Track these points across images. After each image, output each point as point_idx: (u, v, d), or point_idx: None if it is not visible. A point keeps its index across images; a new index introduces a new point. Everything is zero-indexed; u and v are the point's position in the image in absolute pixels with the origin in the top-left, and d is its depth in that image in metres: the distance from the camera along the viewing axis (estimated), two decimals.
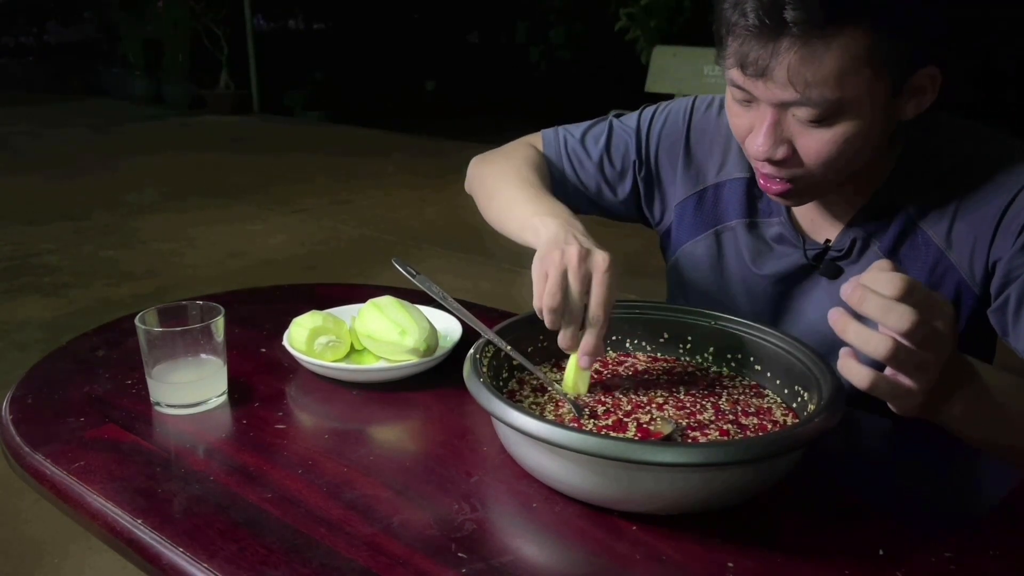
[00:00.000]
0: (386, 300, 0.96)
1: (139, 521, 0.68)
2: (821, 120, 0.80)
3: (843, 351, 0.63)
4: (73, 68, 10.89)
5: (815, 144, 0.82)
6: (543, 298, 0.78)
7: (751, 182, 1.02)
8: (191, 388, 0.86)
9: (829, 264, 0.96)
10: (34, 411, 0.86)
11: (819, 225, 0.97)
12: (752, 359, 0.86)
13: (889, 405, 0.66)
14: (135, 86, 9.59)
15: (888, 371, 0.63)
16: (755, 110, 0.84)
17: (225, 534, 0.66)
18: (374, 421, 0.86)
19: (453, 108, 9.21)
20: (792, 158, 0.84)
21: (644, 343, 0.92)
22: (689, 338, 0.90)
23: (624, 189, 1.11)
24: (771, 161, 0.84)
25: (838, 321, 0.62)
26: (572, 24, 8.35)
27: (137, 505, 0.70)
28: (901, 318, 0.59)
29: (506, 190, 1.05)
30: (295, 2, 12.88)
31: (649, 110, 1.12)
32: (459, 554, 0.63)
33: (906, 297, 0.60)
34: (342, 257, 4.04)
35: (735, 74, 0.83)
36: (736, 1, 0.78)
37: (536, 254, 0.83)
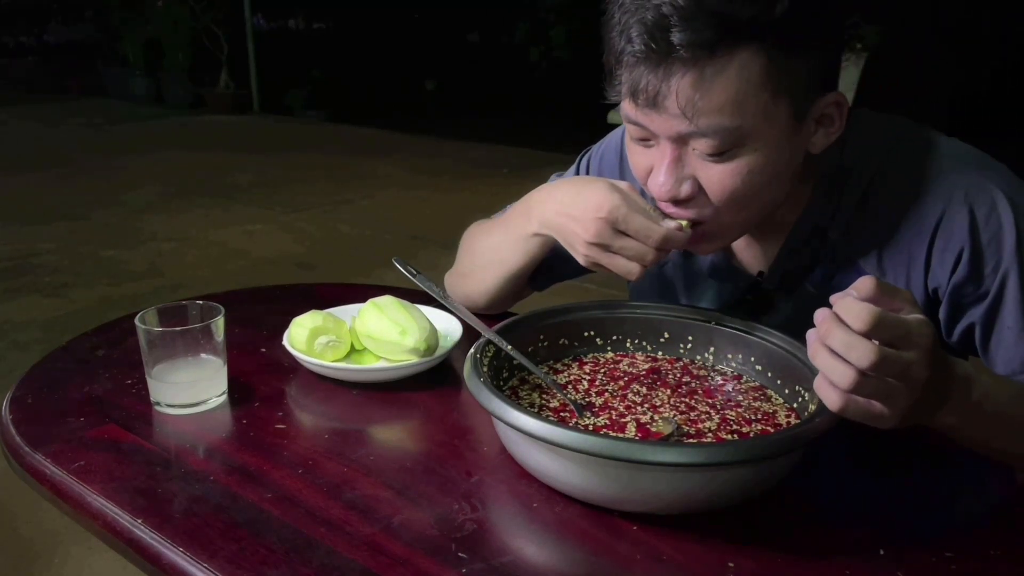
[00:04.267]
0: (386, 300, 0.96)
1: (139, 521, 0.68)
2: (722, 152, 0.76)
3: (820, 372, 0.63)
4: (73, 68, 10.89)
5: (719, 178, 0.77)
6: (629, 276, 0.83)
7: None
8: (191, 388, 0.86)
9: (761, 300, 0.93)
10: (34, 411, 0.86)
11: (753, 253, 0.95)
12: (753, 359, 0.86)
13: None
14: (135, 86, 9.59)
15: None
16: (655, 148, 0.80)
17: (225, 534, 0.66)
18: (374, 421, 0.86)
19: (453, 108, 9.22)
20: (698, 196, 0.79)
21: (644, 343, 0.92)
22: (689, 338, 0.90)
23: None
24: (676, 201, 0.80)
25: (811, 346, 0.62)
26: (572, 24, 8.34)
27: (137, 505, 0.70)
28: (861, 356, 0.59)
29: (476, 242, 1.07)
30: (295, 2, 12.88)
31: (586, 155, 1.11)
32: (459, 554, 0.63)
33: (873, 331, 0.59)
34: (342, 257, 4.04)
35: (628, 107, 0.78)
36: (622, 27, 0.74)
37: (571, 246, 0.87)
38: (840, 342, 0.60)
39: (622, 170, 1.06)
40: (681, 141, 0.77)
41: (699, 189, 0.79)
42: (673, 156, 0.78)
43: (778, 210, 0.88)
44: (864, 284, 0.62)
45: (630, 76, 0.75)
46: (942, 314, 0.86)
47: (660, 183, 0.79)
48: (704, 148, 0.76)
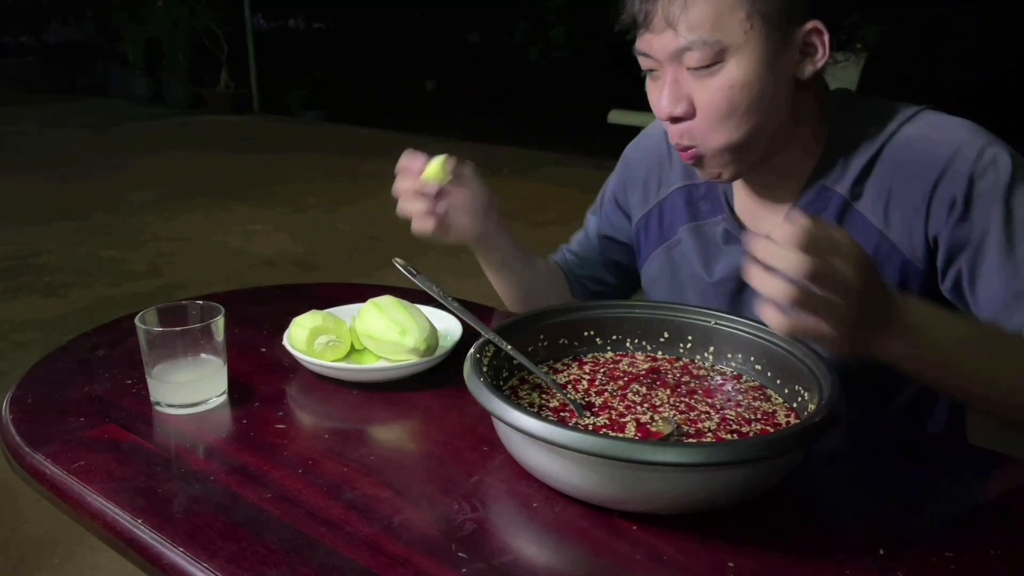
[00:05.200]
0: (386, 300, 0.96)
1: (139, 521, 0.68)
2: (708, 66, 0.85)
3: (760, 298, 0.67)
4: (73, 68, 10.90)
5: (707, 94, 0.86)
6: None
7: (691, 188, 1.06)
8: (191, 388, 0.86)
9: None
10: (34, 411, 0.86)
11: (761, 218, 0.99)
12: (752, 358, 0.86)
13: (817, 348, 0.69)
14: (135, 86, 9.59)
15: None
16: (662, 79, 0.89)
17: (225, 534, 0.66)
18: (374, 421, 0.86)
19: (453, 108, 9.22)
20: (692, 116, 0.88)
21: (644, 343, 0.92)
22: (689, 338, 0.90)
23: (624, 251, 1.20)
24: (673, 120, 0.89)
25: (748, 270, 0.66)
26: (572, 24, 8.34)
27: (137, 505, 0.70)
28: (794, 263, 0.63)
29: None
30: (295, 2, 12.88)
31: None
32: (459, 554, 0.63)
33: (802, 244, 0.63)
34: (342, 257, 4.04)
35: (637, 43, 0.89)
36: None
37: None
38: (772, 254, 0.64)
39: (632, 167, 1.14)
40: (676, 61, 0.86)
41: (693, 110, 0.88)
42: (672, 78, 0.88)
43: (785, 176, 0.95)
44: (797, 216, 0.66)
45: (629, 7, 0.88)
46: (939, 262, 0.89)
47: (661, 103, 0.89)
48: (692, 62, 0.85)
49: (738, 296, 1.02)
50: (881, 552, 0.65)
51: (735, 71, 0.85)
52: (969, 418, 1.04)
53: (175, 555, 0.64)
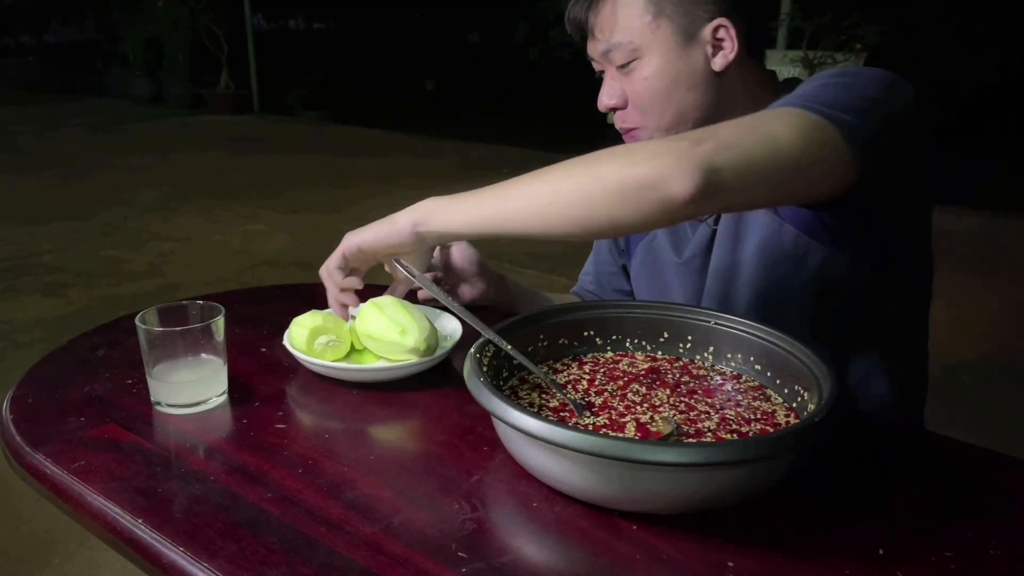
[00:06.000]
0: (386, 300, 0.96)
1: (139, 521, 0.68)
2: (627, 63, 0.98)
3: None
4: (73, 68, 10.91)
5: (632, 87, 1.00)
6: None
7: None
8: (191, 388, 0.86)
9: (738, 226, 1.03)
10: (34, 411, 0.86)
11: None
12: (752, 358, 0.86)
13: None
14: (135, 86, 9.60)
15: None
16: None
17: (225, 534, 0.66)
18: (374, 421, 0.86)
19: (453, 108, 9.22)
20: (625, 106, 1.01)
21: (644, 343, 0.92)
22: (689, 338, 0.90)
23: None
24: (613, 110, 1.02)
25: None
26: None
27: (137, 505, 0.70)
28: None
29: None
30: (295, 2, 12.89)
31: None
32: (459, 554, 0.63)
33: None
34: None
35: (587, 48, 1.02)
36: None
37: None
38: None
39: None
40: (608, 61, 1.00)
41: (626, 101, 1.01)
42: (610, 75, 1.02)
43: None
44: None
45: (566, 18, 1.02)
46: None
47: (600, 98, 1.03)
48: (616, 61, 0.99)
49: (704, 269, 1.09)
50: (881, 552, 0.65)
51: (649, 66, 0.97)
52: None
53: (175, 555, 0.64)
